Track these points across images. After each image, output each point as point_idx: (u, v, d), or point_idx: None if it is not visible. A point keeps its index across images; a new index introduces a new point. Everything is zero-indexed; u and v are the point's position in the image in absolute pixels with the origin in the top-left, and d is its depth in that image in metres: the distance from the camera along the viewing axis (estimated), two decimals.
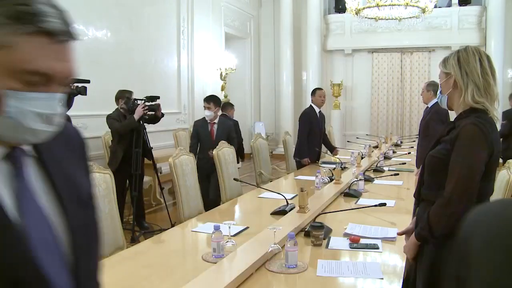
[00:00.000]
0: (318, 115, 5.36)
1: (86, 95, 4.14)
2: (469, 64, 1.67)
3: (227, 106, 6.72)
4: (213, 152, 3.96)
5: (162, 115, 4.81)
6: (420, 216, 1.76)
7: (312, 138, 5.21)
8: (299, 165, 5.16)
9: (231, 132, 4.82)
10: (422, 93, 4.61)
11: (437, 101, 4.37)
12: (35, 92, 0.71)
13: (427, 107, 4.49)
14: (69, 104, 4.45)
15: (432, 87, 4.46)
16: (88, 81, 4.24)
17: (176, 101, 8.25)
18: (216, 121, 4.77)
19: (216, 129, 4.73)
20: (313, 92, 5.46)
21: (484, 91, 1.67)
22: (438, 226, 1.63)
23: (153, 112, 4.73)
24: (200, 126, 4.78)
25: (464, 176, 1.57)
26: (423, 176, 1.82)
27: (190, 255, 2.32)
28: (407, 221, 2.51)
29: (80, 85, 4.22)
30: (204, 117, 4.78)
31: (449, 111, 1.88)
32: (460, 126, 1.64)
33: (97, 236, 0.87)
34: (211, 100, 4.75)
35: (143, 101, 4.65)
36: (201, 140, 4.71)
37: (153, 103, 4.69)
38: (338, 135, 10.18)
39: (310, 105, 5.45)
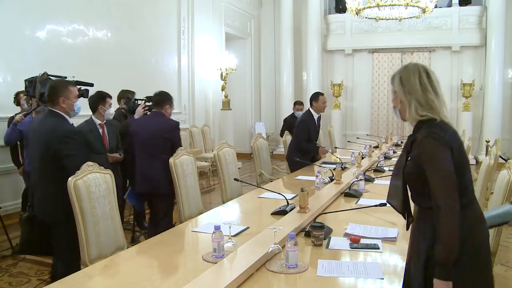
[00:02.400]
0: (316, 122, 5.17)
1: (88, 97, 4.15)
2: (409, 82, 1.83)
3: (297, 103, 7.56)
4: (214, 153, 3.96)
5: None
6: (421, 226, 1.82)
7: (308, 144, 5.07)
8: (296, 167, 4.81)
9: (118, 134, 4.19)
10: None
11: None
12: None
13: None
14: None
15: None
16: (91, 85, 4.24)
17: (176, 101, 8.18)
18: (103, 121, 4.01)
19: (107, 132, 4.00)
20: (315, 97, 5.14)
21: (426, 105, 1.80)
22: (454, 236, 1.68)
23: None
24: (89, 132, 3.80)
25: (446, 184, 1.70)
26: (404, 190, 1.90)
27: (190, 255, 2.32)
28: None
29: (83, 87, 4.23)
30: (87, 121, 3.95)
31: None
32: (418, 140, 1.78)
33: None
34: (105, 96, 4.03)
35: (143, 101, 4.65)
36: (94, 149, 3.69)
37: None
38: (339, 135, 10.18)
39: (308, 110, 5.18)
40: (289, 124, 7.19)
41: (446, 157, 1.72)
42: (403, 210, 1.93)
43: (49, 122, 2.83)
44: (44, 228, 2.79)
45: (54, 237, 2.79)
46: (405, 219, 1.96)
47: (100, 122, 3.97)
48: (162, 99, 3.82)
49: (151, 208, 3.98)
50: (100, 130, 3.96)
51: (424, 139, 1.75)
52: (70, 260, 2.54)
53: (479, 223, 1.82)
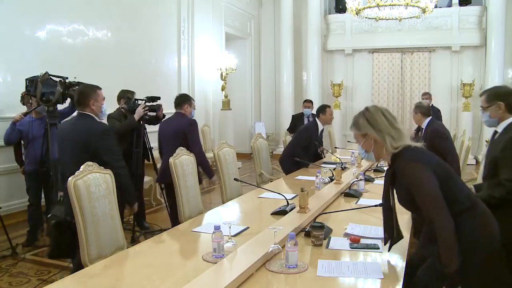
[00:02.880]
0: (319, 133, 5.18)
1: None
2: (377, 121, 2.00)
3: (306, 101, 7.71)
4: (214, 153, 3.97)
5: (164, 116, 4.79)
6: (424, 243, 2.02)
7: (307, 152, 5.00)
8: (291, 168, 4.72)
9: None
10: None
11: (431, 119, 4.42)
12: None
13: (420, 127, 4.44)
14: (73, 109, 4.46)
15: (418, 109, 4.44)
16: None
17: None
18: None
19: None
20: (323, 109, 5.15)
21: (397, 137, 1.97)
22: (452, 246, 1.78)
23: (154, 113, 4.73)
24: None
25: (436, 201, 1.82)
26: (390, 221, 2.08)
27: (190, 255, 2.32)
28: (407, 221, 2.52)
29: None
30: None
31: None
32: (400, 169, 1.93)
33: None
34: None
35: (143, 102, 4.65)
36: None
37: (154, 103, 4.69)
38: (339, 135, 10.18)
39: (315, 120, 5.21)
40: (295, 122, 7.40)
41: (429, 176, 1.84)
42: (390, 233, 2.07)
43: (83, 123, 3.05)
44: (72, 232, 2.81)
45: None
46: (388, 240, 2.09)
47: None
48: (181, 100, 4.27)
49: None
50: None
51: (405, 166, 1.89)
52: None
53: (490, 220, 1.93)
